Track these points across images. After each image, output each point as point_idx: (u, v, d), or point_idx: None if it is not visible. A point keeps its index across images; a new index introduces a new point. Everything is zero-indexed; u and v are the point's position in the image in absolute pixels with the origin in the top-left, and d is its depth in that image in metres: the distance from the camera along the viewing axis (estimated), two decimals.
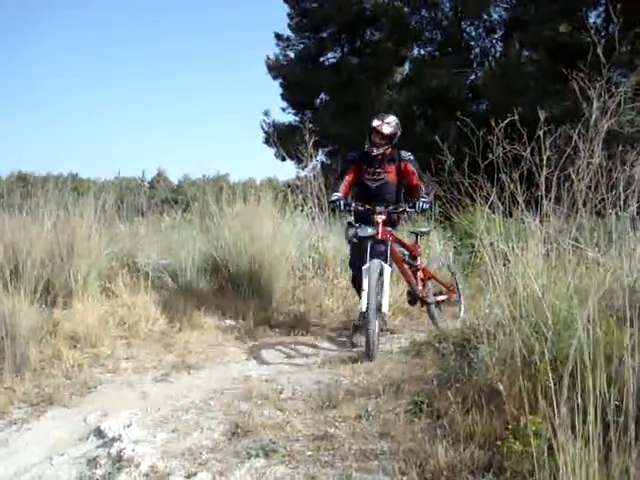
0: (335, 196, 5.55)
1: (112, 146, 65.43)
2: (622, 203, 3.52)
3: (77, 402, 4.09)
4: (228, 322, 6.09)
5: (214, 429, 3.50)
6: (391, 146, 5.61)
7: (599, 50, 3.80)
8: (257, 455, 3.09)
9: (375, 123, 5.51)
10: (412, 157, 5.70)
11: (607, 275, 3.07)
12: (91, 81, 78.23)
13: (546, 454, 2.20)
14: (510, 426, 2.69)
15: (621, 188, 3.50)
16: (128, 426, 3.55)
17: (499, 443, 2.71)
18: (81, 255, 6.32)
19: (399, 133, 5.66)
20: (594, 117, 3.59)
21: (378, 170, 5.62)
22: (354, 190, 5.79)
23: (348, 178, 5.68)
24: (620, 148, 3.83)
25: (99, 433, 3.53)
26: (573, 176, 3.61)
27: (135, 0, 74.17)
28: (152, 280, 6.50)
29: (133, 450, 3.23)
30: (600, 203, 3.57)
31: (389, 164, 5.64)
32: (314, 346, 5.45)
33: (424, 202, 5.40)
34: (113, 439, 3.41)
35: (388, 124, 5.52)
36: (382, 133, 5.49)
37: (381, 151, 5.55)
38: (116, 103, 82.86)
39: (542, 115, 3.98)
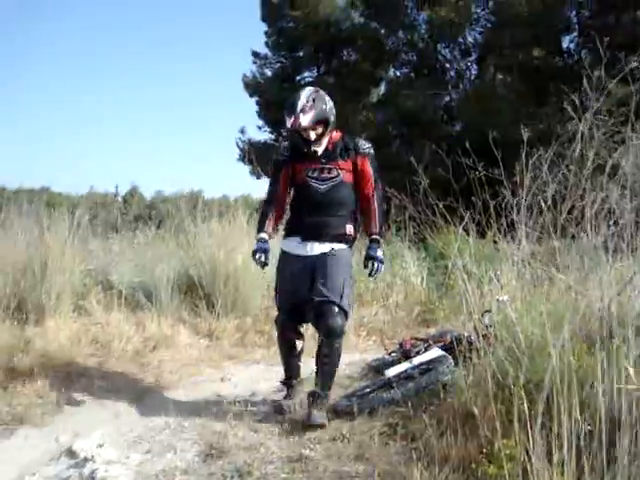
0: (259, 242, 4.02)
1: (85, 160, 65.14)
2: (594, 226, 3.59)
3: (49, 421, 4.03)
4: (202, 341, 6.06)
5: (188, 450, 3.48)
6: (330, 129, 4.00)
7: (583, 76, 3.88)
8: (232, 477, 3.09)
9: (288, 124, 3.89)
10: (372, 150, 4.12)
11: (580, 300, 3.11)
12: (65, 95, 77.85)
13: (521, 478, 2.22)
14: (484, 449, 2.71)
15: (593, 211, 3.56)
16: (101, 446, 3.50)
17: (474, 466, 2.73)
18: (55, 272, 6.26)
19: (327, 107, 3.97)
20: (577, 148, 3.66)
21: (328, 166, 3.99)
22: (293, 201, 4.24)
23: (278, 193, 4.17)
24: (591, 171, 3.89)
25: (71, 453, 3.48)
26: (544, 201, 3.67)
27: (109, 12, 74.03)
28: (125, 298, 6.45)
29: (106, 471, 3.20)
30: (577, 226, 3.63)
31: (342, 157, 4.02)
32: None
33: (379, 262, 3.92)
34: (85, 459, 3.37)
35: (303, 112, 3.83)
36: (304, 128, 3.88)
37: (323, 146, 3.99)
38: (89, 117, 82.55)
39: (525, 135, 4.04)
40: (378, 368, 4.68)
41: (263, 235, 4.04)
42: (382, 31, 27.01)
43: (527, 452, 2.16)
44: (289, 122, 3.85)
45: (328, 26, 27.54)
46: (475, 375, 3.35)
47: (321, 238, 3.98)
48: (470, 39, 26.22)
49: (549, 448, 2.10)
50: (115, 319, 6.06)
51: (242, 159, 28.24)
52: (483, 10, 25.38)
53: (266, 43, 29.42)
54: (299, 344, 4.18)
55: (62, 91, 77.72)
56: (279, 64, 29.69)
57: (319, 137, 3.95)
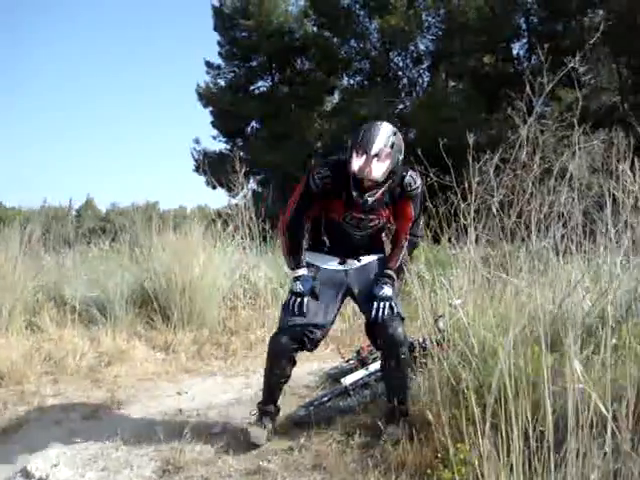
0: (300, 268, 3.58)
1: (39, 173, 64.27)
2: (544, 229, 3.65)
3: (2, 441, 3.94)
4: (159, 355, 6.00)
5: (145, 467, 3.43)
6: (391, 181, 3.41)
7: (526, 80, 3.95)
8: None
9: (355, 166, 3.23)
10: (419, 187, 3.54)
11: (531, 303, 3.15)
12: (15, 108, 76.67)
13: None
14: (440, 455, 2.73)
15: (541, 214, 3.62)
16: (56, 465, 3.45)
17: (429, 472, 2.75)
18: (5, 289, 6.16)
19: (401, 157, 3.40)
20: (523, 152, 3.72)
21: (370, 216, 3.54)
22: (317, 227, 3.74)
23: (304, 217, 3.63)
24: (538, 175, 3.95)
25: (26, 474, 3.40)
26: (491, 207, 3.72)
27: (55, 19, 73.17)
28: (79, 313, 6.36)
29: None
30: (526, 229, 3.68)
31: (385, 206, 3.55)
32: (246, 377, 5.41)
33: (383, 301, 3.46)
34: (40, 479, 3.31)
35: (378, 157, 3.21)
36: (374, 180, 3.29)
37: (375, 197, 3.39)
38: (42, 129, 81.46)
39: (471, 141, 4.08)
40: (336, 376, 4.68)
41: (302, 272, 3.57)
42: (335, 40, 27.23)
43: (481, 456, 2.17)
44: (356, 164, 3.23)
45: (281, 35, 27.73)
46: (430, 380, 3.37)
47: (355, 256, 3.65)
48: (422, 47, 26.62)
49: (500, 451, 2.12)
50: (69, 335, 5.98)
51: (197, 169, 28.21)
52: (434, 18, 25.70)
53: (219, 53, 29.50)
54: (289, 371, 3.65)
55: (12, 104, 76.47)
56: (232, 74, 29.77)
57: (376, 186, 3.36)
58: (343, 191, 3.43)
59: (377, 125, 3.32)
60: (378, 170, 3.21)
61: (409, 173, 3.47)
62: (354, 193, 3.36)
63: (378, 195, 3.39)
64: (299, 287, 3.51)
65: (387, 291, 3.47)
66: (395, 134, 3.33)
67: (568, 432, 2.01)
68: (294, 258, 3.60)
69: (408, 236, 3.60)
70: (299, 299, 3.48)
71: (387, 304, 3.43)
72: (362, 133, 3.29)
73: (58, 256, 8.79)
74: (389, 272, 3.55)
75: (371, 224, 3.57)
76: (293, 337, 3.51)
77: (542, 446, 2.09)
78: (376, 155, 3.19)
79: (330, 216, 3.60)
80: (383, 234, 3.81)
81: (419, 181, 3.50)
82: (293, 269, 3.60)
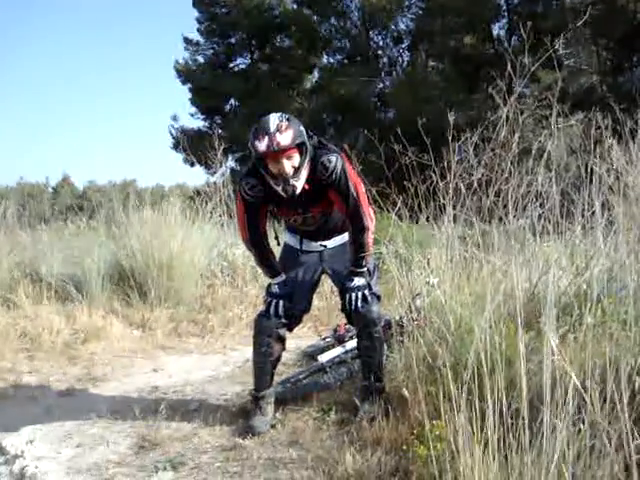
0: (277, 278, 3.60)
1: (14, 150, 63.52)
2: (522, 209, 3.66)
3: None
4: (135, 332, 5.97)
5: (120, 443, 3.43)
6: (308, 160, 3.21)
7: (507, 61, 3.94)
8: (165, 468, 3.06)
9: (262, 146, 3.06)
10: (336, 172, 3.25)
11: (506, 281, 3.17)
12: None
13: (450, 457, 2.25)
14: (415, 431, 2.74)
15: (519, 194, 3.63)
16: (31, 442, 3.43)
17: (405, 448, 2.76)
18: None
19: (303, 130, 3.19)
20: (503, 132, 3.72)
21: (308, 214, 3.47)
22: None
23: (260, 230, 3.54)
24: (517, 154, 3.96)
25: (0, 450, 3.39)
26: (470, 185, 3.73)
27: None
28: (55, 290, 6.32)
29: (36, 467, 3.14)
30: (504, 208, 3.69)
31: (319, 200, 3.39)
32: (223, 354, 5.41)
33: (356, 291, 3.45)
34: (15, 456, 3.29)
35: (279, 131, 3.06)
36: (284, 147, 3.07)
37: (302, 180, 3.20)
38: (18, 105, 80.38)
39: (452, 120, 4.08)
40: (312, 354, 4.69)
41: (278, 279, 3.60)
42: (315, 18, 27.07)
43: (456, 432, 2.19)
44: (263, 144, 3.06)
45: (261, 12, 27.44)
46: (407, 357, 3.39)
47: (327, 238, 3.65)
48: (402, 26, 26.53)
49: (475, 427, 2.14)
50: (45, 312, 5.94)
51: (175, 147, 28.00)
52: None
53: (198, 29, 29.18)
54: (277, 350, 3.62)
55: None
56: (211, 50, 29.49)
57: (296, 170, 3.16)
58: (273, 198, 3.33)
59: (266, 115, 3.19)
60: (284, 139, 3.06)
61: (322, 159, 3.25)
62: (279, 188, 3.20)
63: (304, 178, 3.20)
64: (275, 289, 3.57)
65: (357, 281, 3.46)
66: (287, 114, 3.21)
67: (543, 409, 2.02)
68: (268, 269, 3.66)
69: (352, 223, 3.41)
70: (274, 300, 3.53)
71: (360, 294, 3.44)
72: (255, 126, 3.17)
73: (34, 233, 8.70)
74: (356, 264, 3.47)
75: (315, 219, 3.51)
76: (277, 314, 3.53)
77: (517, 423, 2.11)
78: (277, 130, 3.06)
79: (281, 217, 3.68)
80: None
81: (333, 165, 3.25)
82: (271, 278, 3.63)
